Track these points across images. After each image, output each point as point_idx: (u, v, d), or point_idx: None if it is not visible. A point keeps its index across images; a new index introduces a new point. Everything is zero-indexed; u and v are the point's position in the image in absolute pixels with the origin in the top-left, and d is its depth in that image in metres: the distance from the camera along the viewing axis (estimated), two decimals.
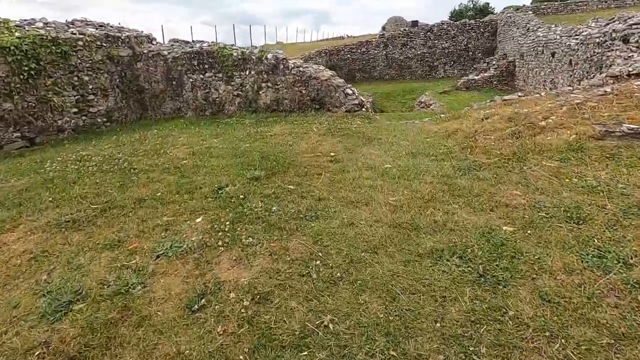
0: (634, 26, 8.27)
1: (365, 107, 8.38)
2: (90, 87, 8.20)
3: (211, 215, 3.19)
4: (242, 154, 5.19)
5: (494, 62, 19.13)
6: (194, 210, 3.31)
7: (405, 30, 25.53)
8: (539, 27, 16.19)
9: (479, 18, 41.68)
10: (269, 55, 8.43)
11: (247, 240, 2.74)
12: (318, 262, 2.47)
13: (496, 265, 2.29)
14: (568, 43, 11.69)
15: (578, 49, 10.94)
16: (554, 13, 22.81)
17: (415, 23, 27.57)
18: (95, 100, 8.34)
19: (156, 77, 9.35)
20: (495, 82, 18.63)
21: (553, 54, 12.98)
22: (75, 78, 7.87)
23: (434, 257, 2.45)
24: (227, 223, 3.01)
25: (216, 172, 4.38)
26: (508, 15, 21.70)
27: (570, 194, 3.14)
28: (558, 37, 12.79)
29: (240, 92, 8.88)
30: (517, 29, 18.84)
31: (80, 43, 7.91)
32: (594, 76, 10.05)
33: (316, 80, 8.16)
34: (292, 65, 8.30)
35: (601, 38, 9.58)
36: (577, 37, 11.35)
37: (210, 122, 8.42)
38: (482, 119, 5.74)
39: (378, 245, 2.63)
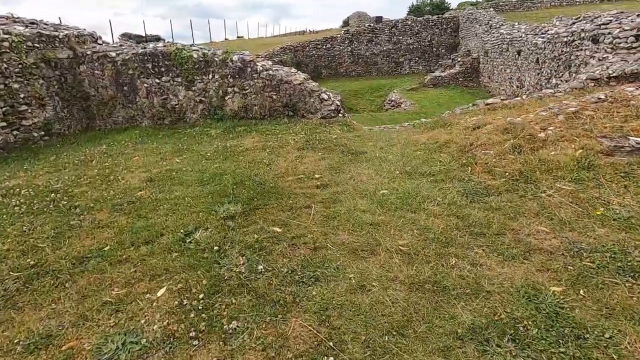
0: (603, 26, 8.28)
1: (341, 112, 7.78)
2: (22, 95, 6.94)
3: (178, 281, 2.44)
4: (212, 179, 4.41)
5: (458, 59, 19.25)
6: (155, 274, 2.54)
7: (369, 26, 25.21)
8: (502, 25, 16.38)
9: (436, 13, 42.41)
10: (235, 57, 7.58)
11: (231, 325, 2.05)
12: (331, 359, 1.83)
13: (562, 353, 1.78)
14: (534, 41, 11.75)
15: (545, 48, 10.99)
16: (512, 10, 23.43)
17: (379, 19, 27.35)
18: (29, 111, 7.08)
19: (103, 81, 8.17)
20: (461, 79, 18.76)
21: (519, 52, 13.08)
22: (2, 86, 6.60)
23: (479, 339, 1.90)
24: (201, 296, 2.28)
25: (181, 209, 3.59)
26: (469, 12, 21.96)
27: (605, 229, 2.73)
28: (523, 35, 12.88)
29: (203, 98, 7.95)
30: (480, 25, 19.04)
31: (6, 44, 6.63)
32: (562, 75, 10.13)
33: (288, 84, 7.44)
34: (261, 68, 7.51)
35: (569, 37, 9.60)
36: (543, 35, 11.42)
37: (171, 133, 7.45)
38: (473, 129, 5.34)
39: (403, 322, 2.04)
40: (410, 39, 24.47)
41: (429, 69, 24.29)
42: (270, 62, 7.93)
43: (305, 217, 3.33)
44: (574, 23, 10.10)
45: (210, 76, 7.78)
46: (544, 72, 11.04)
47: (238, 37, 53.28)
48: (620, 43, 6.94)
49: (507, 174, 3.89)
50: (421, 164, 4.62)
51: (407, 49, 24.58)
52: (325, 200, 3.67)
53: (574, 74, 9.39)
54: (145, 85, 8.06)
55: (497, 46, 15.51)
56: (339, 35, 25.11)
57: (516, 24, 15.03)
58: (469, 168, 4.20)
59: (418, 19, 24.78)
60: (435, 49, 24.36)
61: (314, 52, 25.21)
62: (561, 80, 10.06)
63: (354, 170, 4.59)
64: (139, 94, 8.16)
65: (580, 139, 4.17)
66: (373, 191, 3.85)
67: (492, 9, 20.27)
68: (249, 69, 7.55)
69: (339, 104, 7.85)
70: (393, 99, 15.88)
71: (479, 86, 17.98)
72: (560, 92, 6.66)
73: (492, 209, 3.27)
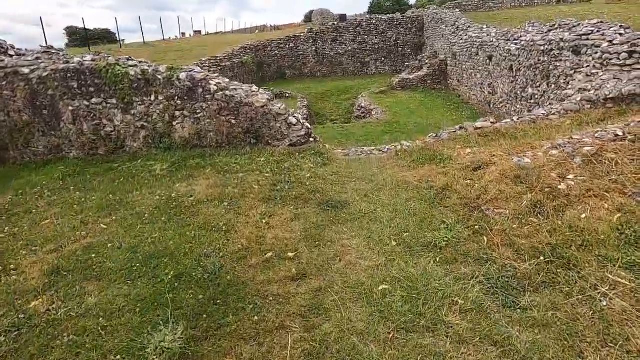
0: (584, 37, 7.78)
1: (312, 136, 6.71)
2: None
3: None
4: (145, 266, 3.19)
5: (426, 61, 18.74)
6: None
7: (333, 24, 24.17)
8: (470, 27, 15.96)
9: (397, 9, 42.20)
10: (182, 76, 6.24)
11: None
12: None
13: None
14: (507, 47, 11.27)
15: (519, 55, 10.50)
16: (474, 10, 23.32)
17: (343, 17, 26.36)
18: None
19: (16, 104, 6.52)
20: (429, 82, 18.27)
21: (490, 58, 12.61)
22: None
23: None
24: None
25: (92, 341, 2.38)
26: (434, 11, 21.52)
27: None
28: (495, 40, 12.40)
29: (145, 124, 6.55)
30: (446, 26, 18.60)
31: None
32: (539, 85, 9.67)
33: (249, 107, 6.23)
34: (215, 88, 6.24)
35: (547, 46, 9.10)
36: (517, 42, 10.94)
37: (105, 169, 6.01)
38: (474, 169, 4.47)
39: None
40: (376, 38, 23.73)
41: (396, 70, 23.74)
42: (227, 80, 6.67)
43: (279, 353, 2.24)
44: (550, 31, 9.63)
45: (153, 97, 6.39)
46: (519, 80, 10.57)
47: (195, 32, 50.33)
48: (611, 59, 6.39)
49: (535, 250, 3.02)
50: (420, 225, 3.66)
51: (372, 48, 23.84)
52: (305, 311, 2.59)
53: (552, 85, 8.92)
54: (71, 108, 6.51)
55: (466, 49, 15.05)
56: (302, 34, 23.86)
57: (485, 26, 14.62)
58: (484, 238, 3.30)
59: (383, 17, 24.08)
60: (401, 48, 23.82)
61: (276, 51, 23.82)
62: (538, 90, 9.60)
63: (338, 239, 3.54)
64: (63, 119, 6.59)
65: (611, 194, 3.39)
66: (369, 286, 2.82)
67: (457, 10, 19.91)
68: (201, 89, 6.25)
69: (309, 127, 6.77)
70: (363, 105, 15.01)
71: (448, 89, 17.56)
72: (554, 113, 6.00)
73: (537, 324, 2.36)
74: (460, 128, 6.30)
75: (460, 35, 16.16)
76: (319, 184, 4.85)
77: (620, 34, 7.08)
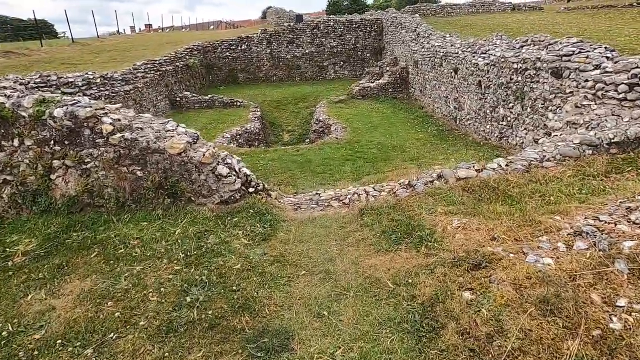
0: (565, 59, 6.81)
1: (254, 186, 5.10)
2: None
3: None
4: None
5: (387, 68, 17.63)
6: None
7: (289, 26, 22.45)
8: (432, 35, 14.99)
9: (355, 10, 41.21)
10: (58, 113, 4.33)
11: None
12: None
13: None
14: (474, 62, 10.27)
15: (489, 72, 9.51)
16: (433, 15, 22.65)
17: (300, 18, 24.69)
18: None
19: None
20: (390, 90, 17.19)
21: (456, 71, 11.61)
22: None
23: None
24: None
25: None
26: (393, 15, 20.51)
27: None
28: (460, 52, 11.41)
29: (9, 177, 4.56)
30: (407, 32, 17.59)
31: None
32: (513, 107, 8.70)
33: (160, 154, 4.47)
34: (111, 129, 4.40)
35: (520, 65, 8.10)
36: (485, 56, 9.95)
37: None
38: (472, 268, 3.11)
39: None
40: (334, 41, 22.34)
41: (355, 75, 22.54)
42: (131, 114, 4.83)
43: None
44: (522, 47, 8.67)
45: (17, 142, 4.43)
46: (489, 98, 9.59)
47: (147, 25, 46.39)
48: (608, 91, 5.36)
49: None
50: None
51: (331, 52, 22.43)
52: None
53: (528, 109, 7.94)
54: None
55: (428, 59, 14.04)
56: (255, 35, 21.90)
57: (448, 35, 13.67)
58: None
59: (340, 19, 22.73)
60: (360, 53, 22.63)
61: (228, 53, 21.70)
62: (511, 112, 8.62)
63: None
64: None
65: None
66: None
67: (417, 15, 18.99)
68: (88, 131, 4.39)
69: (248, 174, 5.13)
70: (321, 119, 13.51)
71: (410, 99, 16.56)
72: (549, 159, 4.84)
73: None
74: (439, 177, 4.96)
75: (422, 43, 15.16)
76: (251, 289, 3.24)
77: (608, 58, 6.14)
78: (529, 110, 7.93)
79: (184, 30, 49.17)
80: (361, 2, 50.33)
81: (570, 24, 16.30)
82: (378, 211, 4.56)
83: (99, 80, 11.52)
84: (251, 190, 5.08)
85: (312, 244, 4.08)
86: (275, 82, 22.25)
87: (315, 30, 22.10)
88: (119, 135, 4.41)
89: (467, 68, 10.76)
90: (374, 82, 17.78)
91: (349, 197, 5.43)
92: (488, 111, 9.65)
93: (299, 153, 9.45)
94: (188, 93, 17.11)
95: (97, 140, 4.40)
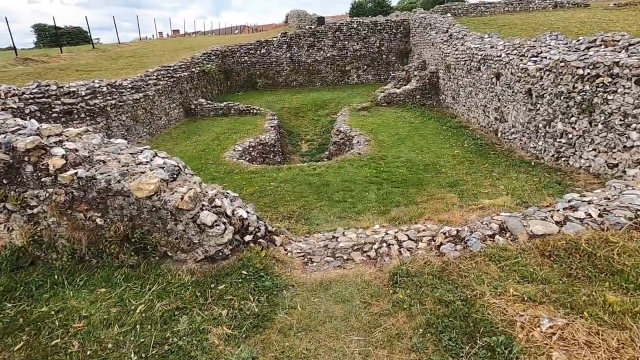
0: None
1: (252, 228, 3.91)
2: None
3: None
4: None
5: (415, 73, 16.13)
6: None
7: (310, 28, 21.33)
8: (466, 35, 13.40)
9: (379, 11, 39.66)
10: None
11: None
12: None
13: None
14: (523, 66, 8.70)
15: (542, 78, 7.93)
16: (465, 14, 20.91)
17: (321, 20, 23.54)
18: None
19: None
20: (418, 96, 15.68)
21: (497, 76, 10.04)
22: None
23: None
24: None
25: None
26: (421, 16, 18.95)
27: None
28: (503, 54, 9.84)
29: None
30: (437, 33, 16.03)
31: None
32: (576, 122, 7.11)
33: (125, 197, 3.34)
34: (61, 163, 3.31)
35: (588, 70, 6.53)
36: (535, 59, 8.37)
37: None
38: None
39: None
40: (357, 44, 21.02)
41: (379, 79, 21.12)
42: (96, 141, 3.74)
43: None
44: (588, 48, 7.07)
45: None
46: (542, 110, 8.01)
47: (174, 31, 46.85)
48: None
49: None
50: None
51: (354, 55, 21.11)
52: None
53: (600, 125, 6.36)
54: None
55: (463, 62, 12.48)
56: (275, 39, 20.91)
57: (486, 36, 12.07)
58: None
59: (364, 21, 21.37)
60: (385, 56, 21.19)
61: (246, 58, 20.81)
62: (574, 128, 7.03)
63: None
64: None
65: None
66: None
67: (449, 15, 17.37)
68: (30, 167, 3.31)
69: (245, 217, 3.92)
70: (342, 129, 12.22)
71: (440, 106, 15.00)
72: None
73: None
74: (502, 231, 3.57)
75: (455, 44, 13.60)
76: None
77: None
78: (599, 126, 6.35)
79: (208, 35, 49.23)
80: (385, 4, 48.76)
81: (627, 21, 14.27)
82: (417, 280, 3.24)
83: (105, 89, 10.73)
84: (248, 237, 3.88)
85: (323, 335, 2.82)
86: (294, 88, 21.16)
87: (337, 33, 20.86)
88: (70, 172, 3.31)
89: (512, 73, 9.20)
90: (400, 88, 16.33)
91: (374, 247, 4.13)
92: (540, 125, 8.07)
93: (315, 172, 8.20)
94: (203, 100, 16.26)
95: (42, 179, 3.32)
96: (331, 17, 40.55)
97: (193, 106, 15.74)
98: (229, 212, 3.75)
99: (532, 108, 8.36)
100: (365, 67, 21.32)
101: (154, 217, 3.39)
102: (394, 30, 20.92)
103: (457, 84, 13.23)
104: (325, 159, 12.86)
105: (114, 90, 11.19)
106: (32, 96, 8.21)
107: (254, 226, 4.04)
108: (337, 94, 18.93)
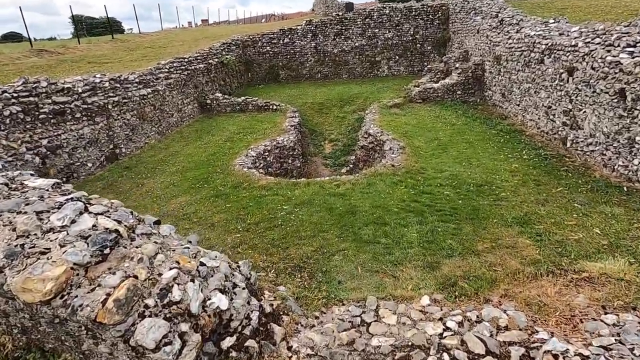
0: None
1: (239, 325, 2.42)
2: None
3: None
4: None
5: (456, 65, 14.02)
6: None
7: (337, 15, 19.42)
8: (523, 20, 11.19)
9: None
10: None
11: None
12: None
13: None
14: (612, 59, 6.64)
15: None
16: None
17: (350, 6, 21.55)
18: None
19: None
20: (459, 92, 13.62)
21: (570, 71, 7.96)
22: None
23: None
24: None
25: None
26: None
27: None
28: (580, 43, 7.74)
29: None
30: (483, 18, 13.79)
31: None
32: None
33: (9, 300, 1.94)
34: None
35: None
36: (633, 50, 6.31)
37: None
38: None
39: None
40: (389, 32, 18.94)
41: (413, 71, 19.03)
42: None
43: None
44: None
45: None
46: None
47: (203, 20, 46.18)
48: None
49: None
50: None
51: (385, 45, 19.07)
52: None
53: None
54: None
55: (518, 53, 10.36)
56: (299, 27, 19.20)
57: (552, 20, 9.88)
58: None
59: (397, 7, 19.19)
60: (419, 45, 19.01)
61: (268, 48, 19.27)
62: None
63: None
64: None
65: None
66: None
67: None
68: None
69: (225, 307, 2.44)
70: (372, 132, 10.50)
71: (485, 104, 12.91)
72: None
73: None
74: None
75: (508, 31, 11.42)
76: None
77: None
78: None
79: (233, 24, 48.03)
80: None
81: None
82: None
83: (107, 84, 9.56)
84: (228, 343, 2.41)
85: None
86: (319, 79, 19.48)
87: (367, 20, 18.85)
88: None
89: (593, 68, 7.13)
90: (437, 82, 14.30)
91: (431, 356, 2.55)
92: (638, 138, 6.06)
93: (338, 191, 6.62)
94: (220, 95, 14.94)
95: None
96: (360, 4, 38.09)
97: (209, 101, 14.46)
98: (194, 308, 2.27)
99: (625, 114, 6.34)
100: (397, 57, 19.25)
101: (59, 332, 1.96)
102: (430, 16, 18.65)
103: (509, 78, 11.12)
104: (352, 165, 11.23)
105: (118, 85, 10.00)
106: (15, 95, 7.08)
107: (240, 317, 2.56)
108: (366, 88, 17.09)
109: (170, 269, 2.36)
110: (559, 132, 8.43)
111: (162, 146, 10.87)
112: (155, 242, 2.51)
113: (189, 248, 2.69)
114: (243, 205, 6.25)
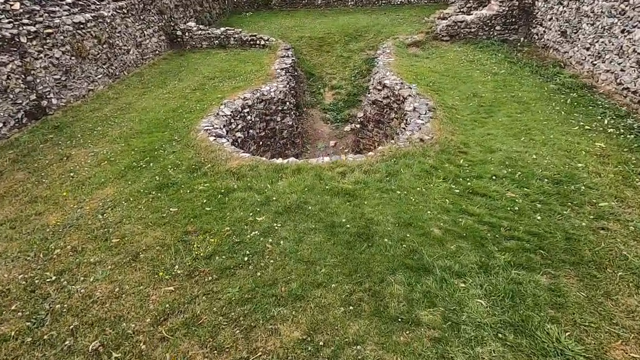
0: None
1: None
2: None
3: None
4: None
5: None
6: None
7: None
8: None
9: None
10: None
11: None
12: None
13: None
14: None
15: None
16: None
17: None
18: None
19: None
20: (498, 28, 10.48)
21: None
22: None
23: None
24: None
25: None
26: None
27: None
28: None
29: None
30: None
31: None
32: None
33: None
34: None
35: None
36: None
37: None
38: None
39: None
40: None
41: None
42: None
43: None
44: None
45: None
46: None
47: None
48: None
49: None
50: None
51: None
52: None
53: None
54: None
55: None
56: None
57: None
58: None
59: None
60: None
61: None
62: None
63: None
64: None
65: None
66: None
67: None
68: None
69: None
70: (387, 83, 7.71)
71: (533, 44, 9.88)
72: None
73: None
74: None
75: None
76: None
77: None
78: None
79: None
80: None
81: None
82: None
83: (17, 6, 6.55)
84: None
85: None
86: (319, 7, 15.75)
87: None
88: None
89: None
90: (471, 13, 11.01)
91: None
92: None
93: (344, 186, 4.27)
94: (193, 24, 11.63)
95: None
96: None
97: (179, 33, 11.24)
98: None
99: None
100: None
101: None
102: None
103: (575, 10, 8.03)
104: (358, 125, 8.67)
105: (37, 8, 6.96)
106: None
107: None
108: (377, 19, 13.64)
109: None
110: None
111: (113, 94, 8.16)
112: None
113: None
114: (196, 212, 3.96)
